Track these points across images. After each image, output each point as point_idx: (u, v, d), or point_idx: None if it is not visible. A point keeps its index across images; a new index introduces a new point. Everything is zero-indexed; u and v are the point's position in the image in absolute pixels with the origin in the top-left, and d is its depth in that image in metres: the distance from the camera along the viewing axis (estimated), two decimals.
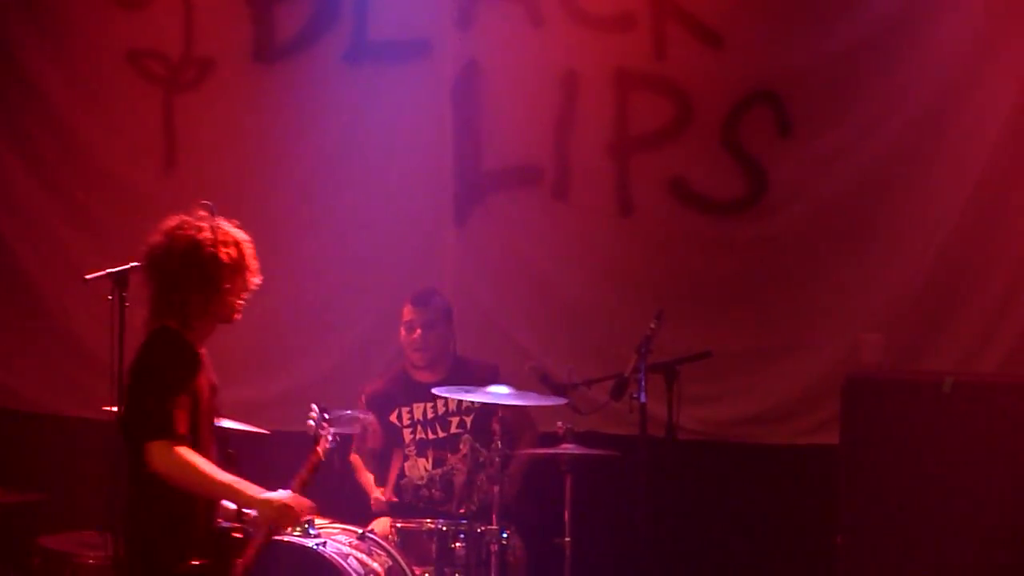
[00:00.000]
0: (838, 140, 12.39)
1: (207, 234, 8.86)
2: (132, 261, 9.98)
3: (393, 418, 12.43)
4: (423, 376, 12.22)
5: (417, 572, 11.74)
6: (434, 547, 11.82)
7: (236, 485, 8.90)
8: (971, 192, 12.20)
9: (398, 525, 12.01)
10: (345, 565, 11.23)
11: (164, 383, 8.85)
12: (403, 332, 12.32)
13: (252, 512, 9.11)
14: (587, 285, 12.78)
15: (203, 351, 9.19)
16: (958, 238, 12.25)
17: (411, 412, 12.56)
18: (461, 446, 12.06)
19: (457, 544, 11.67)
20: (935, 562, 11.32)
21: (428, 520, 11.92)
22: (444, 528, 11.84)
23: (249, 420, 11.74)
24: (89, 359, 12.79)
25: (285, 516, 9.08)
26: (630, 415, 11.13)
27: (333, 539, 11.46)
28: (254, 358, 13.03)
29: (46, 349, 13.49)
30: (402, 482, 12.42)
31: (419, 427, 12.64)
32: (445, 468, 12.40)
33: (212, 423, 9.31)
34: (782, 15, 12.55)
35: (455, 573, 11.76)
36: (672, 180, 12.51)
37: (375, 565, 11.49)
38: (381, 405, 12.42)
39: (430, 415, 12.51)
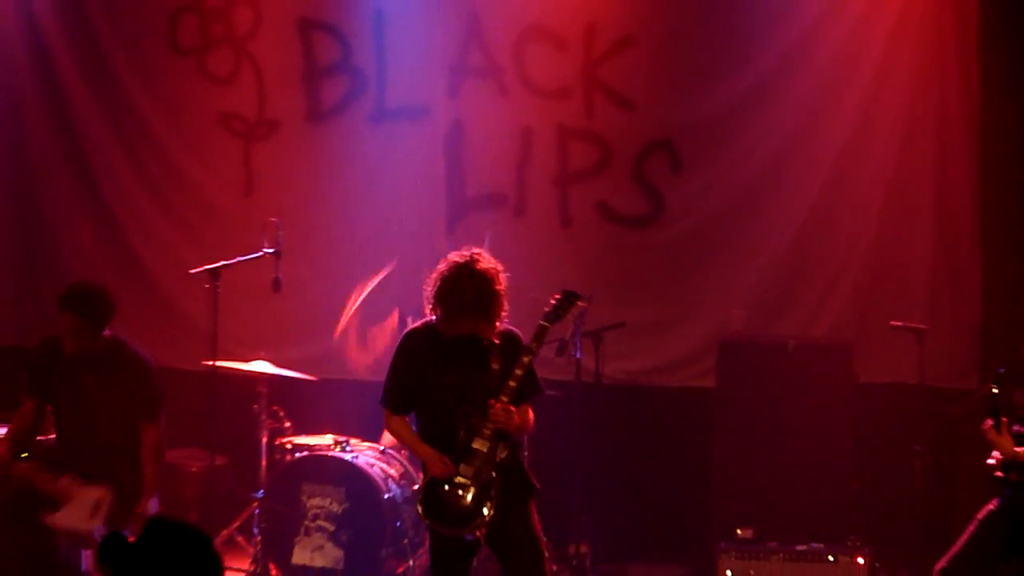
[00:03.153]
0: (715, 172, 13.22)
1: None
2: (221, 259, 11.91)
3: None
4: None
5: (419, 477, 11.15)
6: None
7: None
8: (813, 202, 13.03)
9: None
10: (372, 472, 12.09)
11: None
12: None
13: None
14: (537, 275, 12.71)
15: None
16: (801, 238, 13.12)
17: None
18: None
19: None
20: (783, 479, 12.10)
21: None
22: None
23: (302, 371, 12.65)
24: (188, 326, 13.51)
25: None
26: (569, 367, 12.25)
27: (363, 453, 12.33)
28: (308, 328, 13.60)
29: (155, 317, 13.87)
30: None
31: None
32: None
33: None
34: (676, 85, 13.28)
35: None
36: (597, 203, 13.38)
37: (392, 471, 12.30)
38: None
39: None
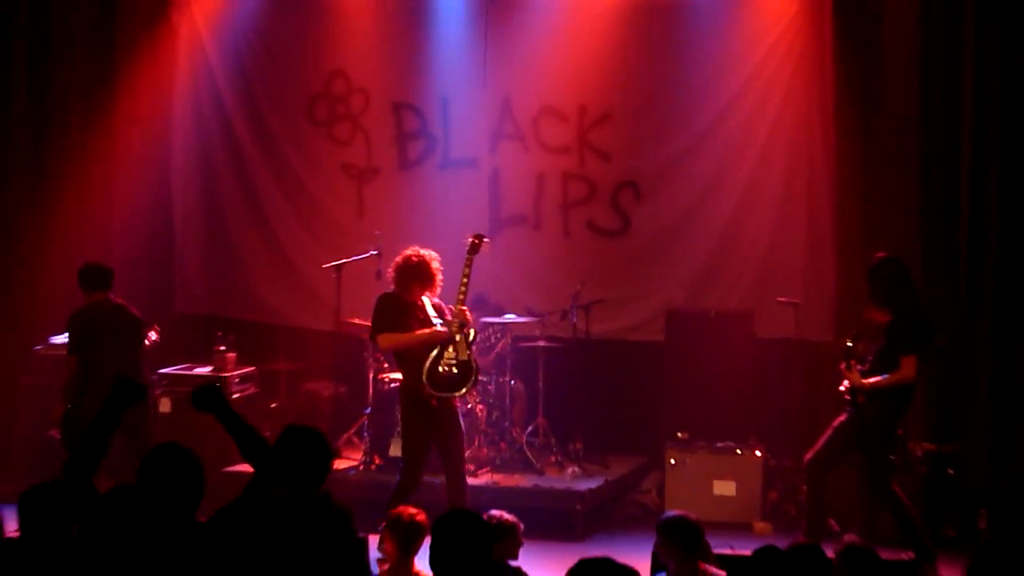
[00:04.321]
0: (664, 201, 13.03)
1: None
2: (342, 258, 11.86)
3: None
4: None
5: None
6: None
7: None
8: (728, 219, 12.80)
9: None
10: None
11: None
12: None
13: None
14: (548, 268, 13.25)
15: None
16: (720, 243, 12.89)
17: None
18: None
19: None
20: (707, 399, 12.12)
21: None
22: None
23: None
24: (321, 302, 12.91)
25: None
26: (568, 328, 12.37)
27: None
28: None
29: (299, 296, 13.54)
30: None
31: None
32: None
33: None
34: (638, 144, 13.08)
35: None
36: (587, 221, 13.19)
37: None
38: None
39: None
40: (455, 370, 10.20)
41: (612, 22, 12.97)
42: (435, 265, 10.18)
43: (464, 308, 10.19)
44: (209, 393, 6.45)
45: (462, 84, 13.44)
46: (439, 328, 10.12)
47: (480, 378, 11.70)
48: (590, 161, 13.27)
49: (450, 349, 10.14)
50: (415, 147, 13.68)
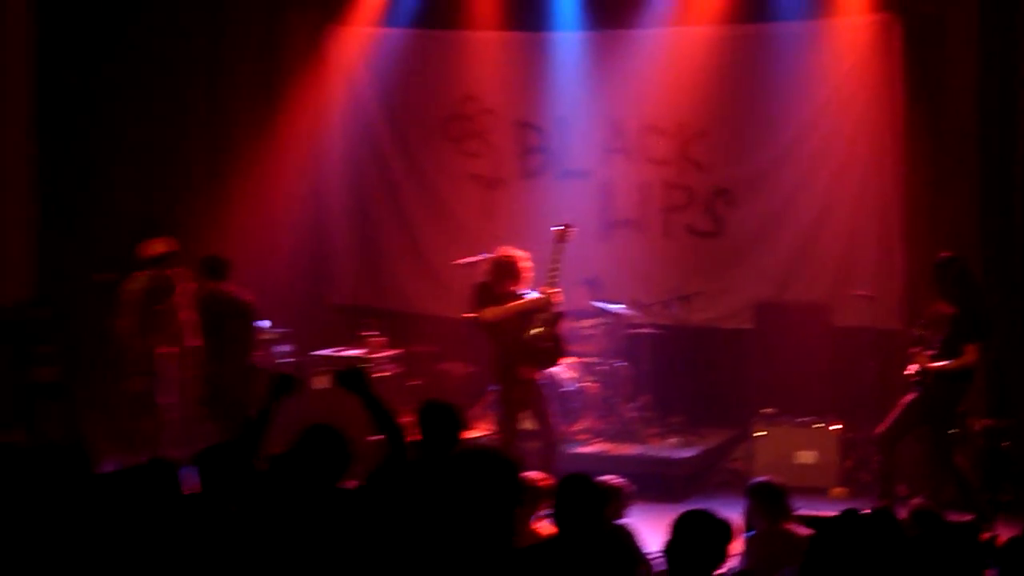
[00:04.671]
0: (754, 206, 12.88)
1: None
2: (471, 256, 11.64)
3: None
4: None
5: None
6: None
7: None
8: (810, 222, 12.66)
9: None
10: (560, 375, 11.74)
11: None
12: None
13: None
14: (650, 265, 13.12)
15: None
16: (803, 244, 12.72)
17: None
18: None
19: None
20: (792, 379, 12.02)
21: None
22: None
23: None
24: (452, 291, 12.54)
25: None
26: (671, 316, 12.37)
27: None
28: None
29: (432, 286, 13.52)
30: None
31: None
32: None
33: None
34: (730, 155, 12.97)
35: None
36: (686, 225, 13.10)
37: (572, 375, 12.04)
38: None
39: None
40: (545, 345, 10.46)
41: (707, 51, 12.89)
42: (522, 264, 10.46)
43: (554, 290, 10.40)
44: (352, 375, 6.67)
45: (576, 105, 13.39)
46: (534, 296, 10.37)
47: (593, 360, 12.16)
48: (688, 172, 13.18)
49: (540, 327, 10.37)
50: (535, 160, 13.68)
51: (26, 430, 11.37)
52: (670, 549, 5.26)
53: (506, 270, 10.45)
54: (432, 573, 5.32)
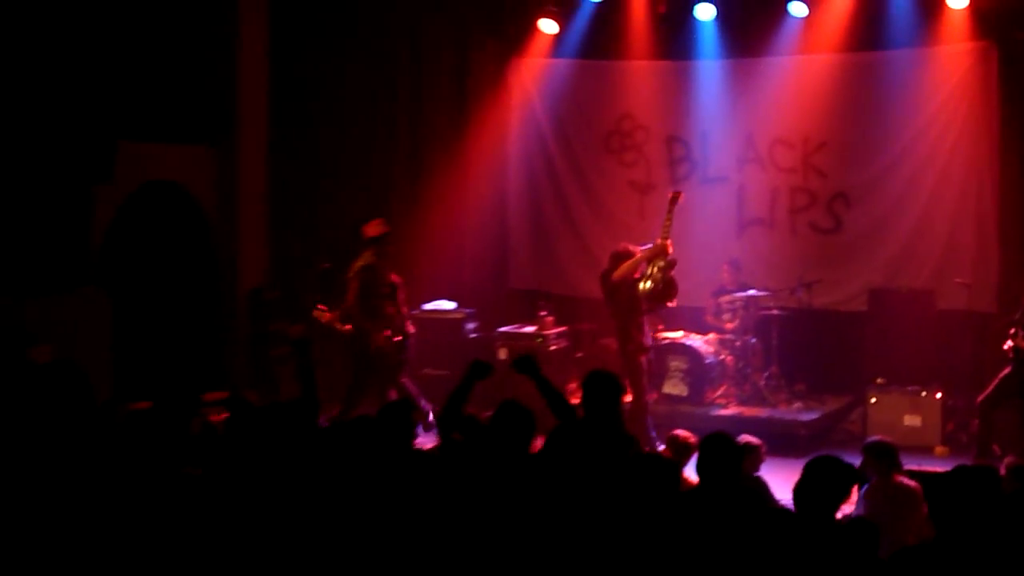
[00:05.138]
0: (867, 206, 12.64)
1: None
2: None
3: None
4: None
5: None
6: None
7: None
8: (915, 220, 12.43)
9: None
10: (699, 347, 12.00)
11: None
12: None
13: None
14: (778, 259, 12.94)
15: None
16: (910, 239, 12.47)
17: None
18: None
19: None
20: (902, 353, 11.81)
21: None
22: None
23: None
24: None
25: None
26: (796, 300, 12.14)
27: (695, 338, 12.09)
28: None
29: (592, 273, 12.09)
30: None
31: None
32: None
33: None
34: (848, 164, 12.72)
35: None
36: (809, 223, 12.91)
37: (710, 348, 12.12)
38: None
39: None
40: (662, 286, 10.80)
41: (827, 75, 12.79)
42: (634, 250, 10.87)
43: (667, 242, 10.74)
44: (525, 361, 6.80)
45: (716, 122, 13.32)
46: (650, 247, 10.76)
47: (730, 337, 12.19)
48: (811, 177, 13.03)
49: (657, 271, 10.74)
50: (682, 168, 13.61)
51: (261, 391, 11.36)
52: (800, 490, 5.24)
53: (622, 256, 10.82)
54: (606, 515, 5.28)
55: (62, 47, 10.66)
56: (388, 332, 10.76)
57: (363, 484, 5.42)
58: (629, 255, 10.78)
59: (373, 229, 10.93)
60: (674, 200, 11.04)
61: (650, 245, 10.79)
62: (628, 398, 10.25)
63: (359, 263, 10.72)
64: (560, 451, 5.83)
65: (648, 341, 11.01)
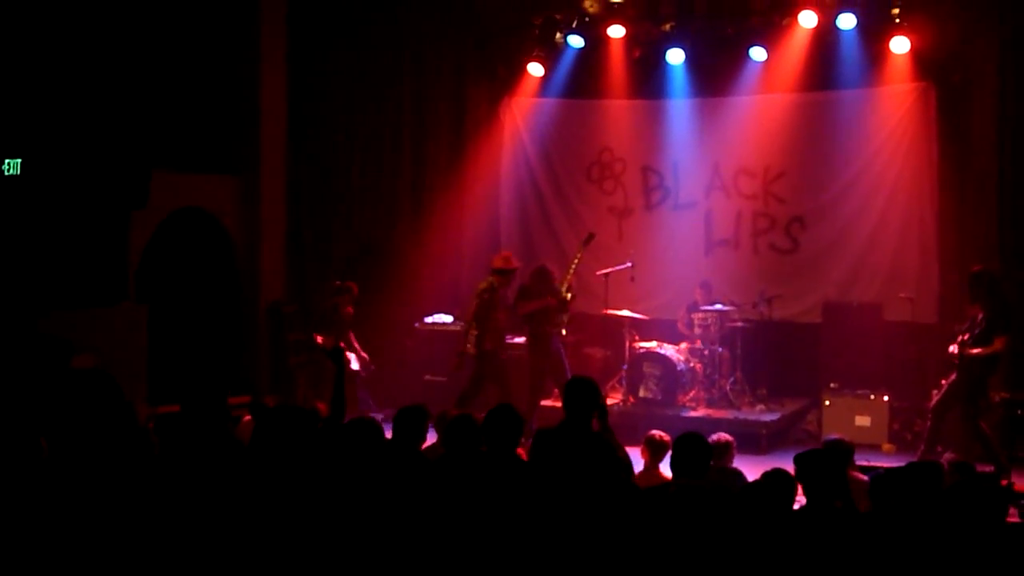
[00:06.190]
0: (822, 228, 12.56)
1: None
2: (607, 268, 11.62)
3: None
4: None
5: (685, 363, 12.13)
6: None
7: None
8: (864, 241, 12.33)
9: None
10: (671, 356, 11.79)
11: None
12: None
13: None
14: (743, 276, 12.78)
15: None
16: (861, 257, 12.37)
17: None
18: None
19: None
20: (852, 360, 11.73)
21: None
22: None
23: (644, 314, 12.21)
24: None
25: None
26: (756, 313, 12.03)
27: (667, 348, 11.83)
28: (646, 296, 12.67)
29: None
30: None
31: None
32: None
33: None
34: (804, 189, 12.62)
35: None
36: (769, 243, 12.85)
37: (681, 357, 11.86)
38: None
39: None
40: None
41: (785, 112, 12.75)
42: (553, 271, 11.06)
43: (567, 296, 10.91)
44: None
45: (686, 154, 13.23)
46: (555, 302, 10.87)
47: (699, 346, 12.01)
48: (771, 203, 12.99)
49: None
50: (656, 195, 13.55)
51: (280, 396, 11.18)
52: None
53: (543, 279, 10.92)
54: (589, 507, 5.23)
55: (103, 86, 10.76)
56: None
57: (362, 486, 5.28)
58: (548, 279, 10.87)
59: (498, 262, 11.04)
60: (587, 241, 11.07)
61: (566, 292, 10.91)
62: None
63: (482, 285, 10.88)
64: (546, 454, 5.77)
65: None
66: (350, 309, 11.79)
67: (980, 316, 9.77)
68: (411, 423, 6.11)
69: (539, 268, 11.26)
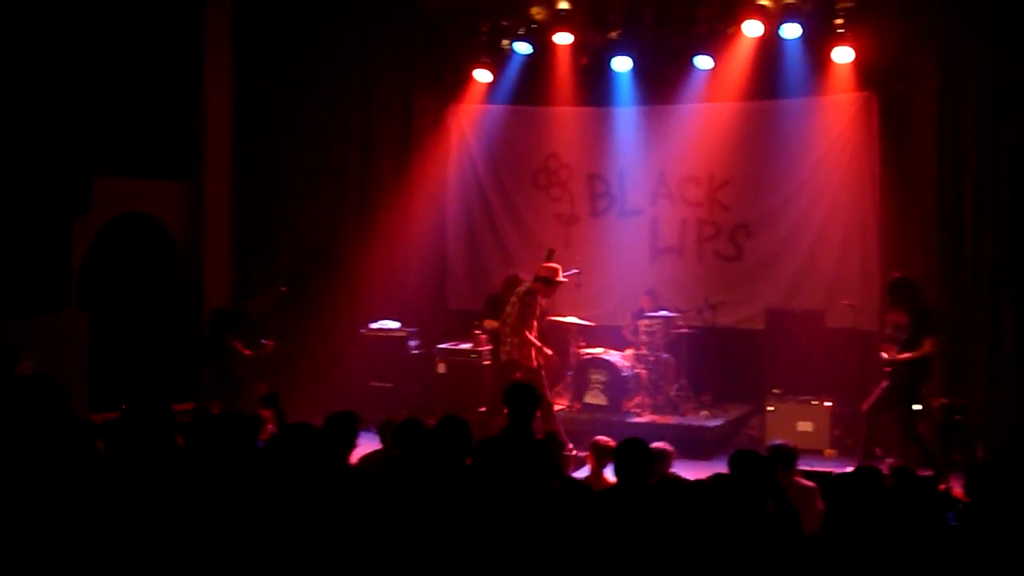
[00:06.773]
0: (767, 236, 12.64)
1: None
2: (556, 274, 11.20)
3: None
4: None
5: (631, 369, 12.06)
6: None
7: None
8: (808, 248, 12.42)
9: None
10: (616, 362, 11.82)
11: None
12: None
13: None
14: (687, 283, 12.84)
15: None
16: (804, 265, 12.45)
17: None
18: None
19: None
20: (795, 366, 11.77)
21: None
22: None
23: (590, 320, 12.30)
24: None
25: None
26: (701, 320, 12.10)
27: (613, 354, 11.91)
28: (593, 301, 12.84)
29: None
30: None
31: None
32: None
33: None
34: (748, 198, 12.72)
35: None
36: (714, 250, 12.92)
37: (627, 363, 11.94)
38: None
39: None
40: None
41: (730, 120, 12.79)
42: (523, 278, 10.93)
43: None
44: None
45: (632, 161, 13.27)
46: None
47: (644, 352, 11.98)
48: (716, 211, 13.04)
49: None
50: (602, 203, 13.57)
51: (224, 401, 11.33)
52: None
53: (512, 285, 10.81)
54: (532, 510, 5.30)
55: (44, 90, 10.61)
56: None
57: (302, 496, 5.18)
58: (516, 283, 10.78)
59: (548, 271, 10.60)
60: (548, 257, 10.80)
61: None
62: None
63: (523, 288, 10.60)
64: (489, 459, 5.80)
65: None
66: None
67: (905, 322, 9.86)
68: (341, 429, 6.09)
69: (510, 277, 11.26)
